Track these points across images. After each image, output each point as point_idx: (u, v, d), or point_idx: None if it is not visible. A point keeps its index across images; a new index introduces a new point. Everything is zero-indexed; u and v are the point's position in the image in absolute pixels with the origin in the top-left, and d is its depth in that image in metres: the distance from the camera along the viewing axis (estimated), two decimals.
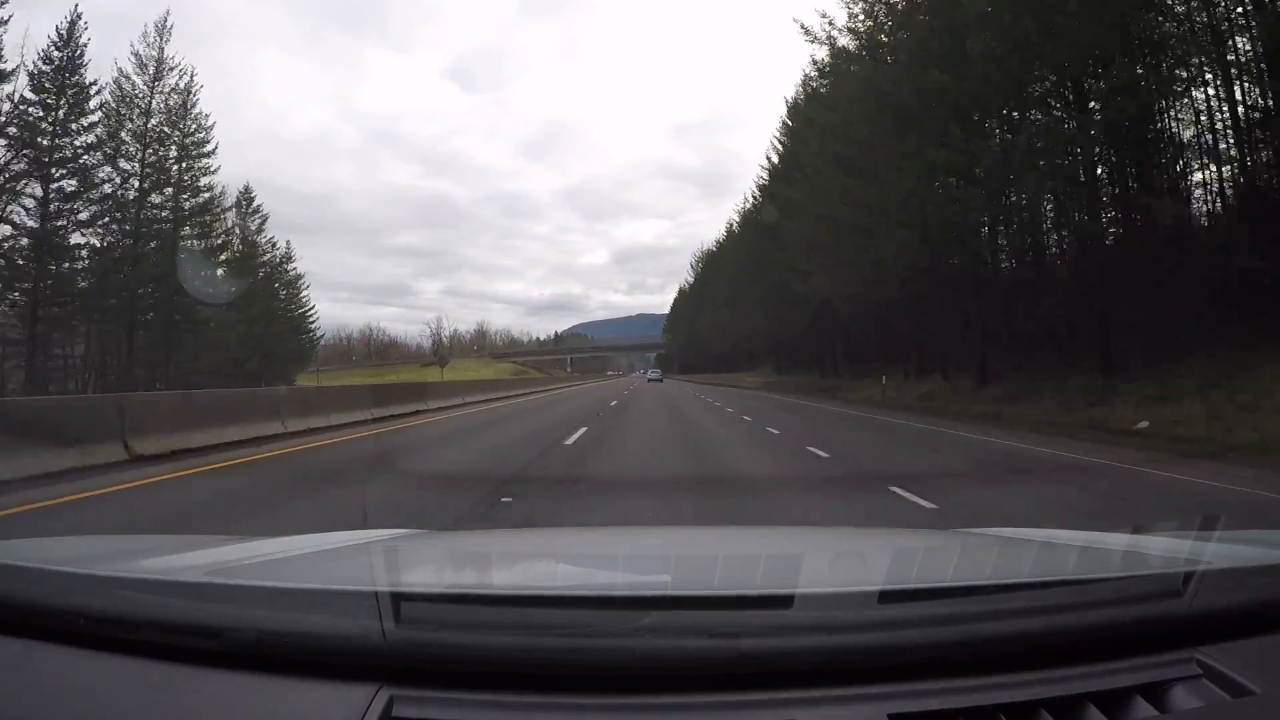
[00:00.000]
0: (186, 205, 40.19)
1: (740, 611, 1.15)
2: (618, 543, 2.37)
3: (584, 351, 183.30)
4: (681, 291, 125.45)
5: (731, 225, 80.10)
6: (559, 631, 1.08)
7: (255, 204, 51.50)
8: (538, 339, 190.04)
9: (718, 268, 76.89)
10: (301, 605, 1.16)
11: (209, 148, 40.31)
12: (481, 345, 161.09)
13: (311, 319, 62.10)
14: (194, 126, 39.80)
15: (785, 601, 1.12)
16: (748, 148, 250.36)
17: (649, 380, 71.42)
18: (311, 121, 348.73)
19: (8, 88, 30.80)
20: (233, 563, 1.61)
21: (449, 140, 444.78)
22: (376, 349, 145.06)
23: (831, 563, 1.71)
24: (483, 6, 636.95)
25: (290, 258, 58.80)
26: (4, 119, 31.12)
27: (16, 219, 32.69)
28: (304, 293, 61.10)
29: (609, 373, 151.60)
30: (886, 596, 1.15)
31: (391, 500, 6.39)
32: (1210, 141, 20.12)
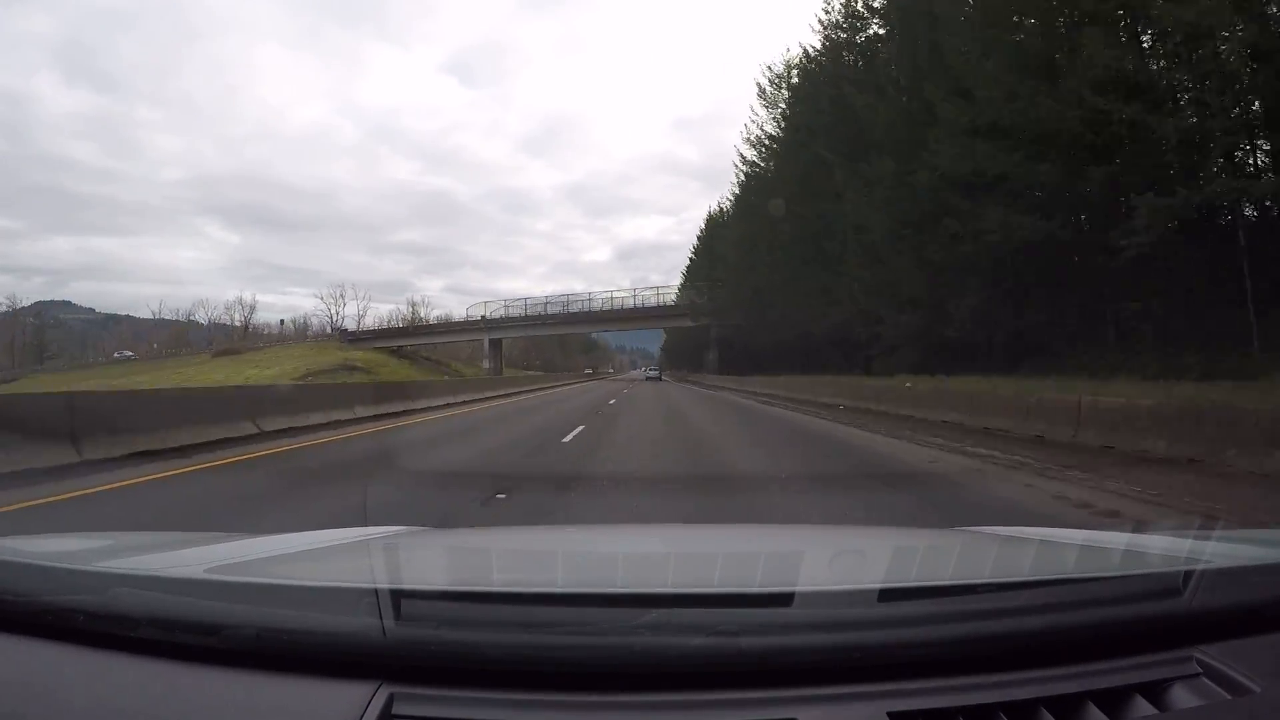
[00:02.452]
0: None
1: (740, 609, 1.15)
2: (618, 540, 2.37)
3: (523, 326, 68.96)
4: (710, 217, 61.69)
5: None
6: (559, 629, 1.08)
7: None
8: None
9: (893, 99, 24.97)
10: (301, 602, 1.16)
11: None
12: (413, 326, 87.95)
13: None
14: None
15: (785, 599, 1.12)
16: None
17: (647, 378, 56.15)
18: (310, 117, 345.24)
19: None
20: (232, 559, 1.61)
21: (449, 136, 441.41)
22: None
23: (831, 561, 1.71)
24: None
25: None
26: None
27: None
28: None
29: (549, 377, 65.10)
30: (886, 595, 1.15)
31: None
32: None
